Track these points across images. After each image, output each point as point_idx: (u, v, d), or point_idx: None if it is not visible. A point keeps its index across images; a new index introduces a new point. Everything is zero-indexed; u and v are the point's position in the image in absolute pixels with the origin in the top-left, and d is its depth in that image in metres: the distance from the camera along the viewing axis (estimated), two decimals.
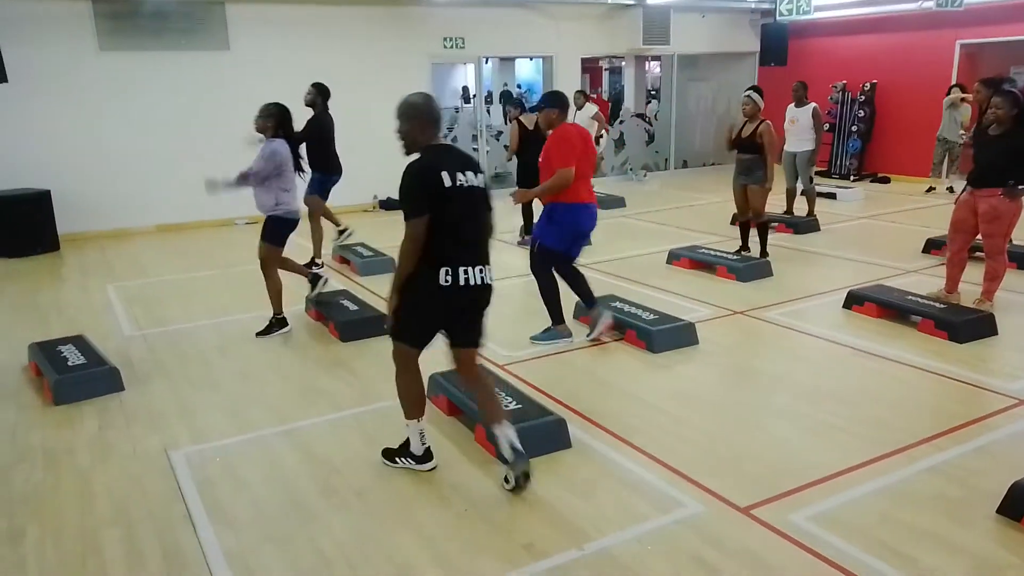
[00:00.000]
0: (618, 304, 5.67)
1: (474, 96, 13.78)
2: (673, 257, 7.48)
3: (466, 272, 3.31)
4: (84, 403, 4.51)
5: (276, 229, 5.50)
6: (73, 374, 4.61)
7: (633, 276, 7.06)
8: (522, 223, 8.44)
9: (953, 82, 11.41)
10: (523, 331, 5.46)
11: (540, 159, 5.16)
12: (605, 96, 20.75)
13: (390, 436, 3.83)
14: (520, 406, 3.92)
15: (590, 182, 5.21)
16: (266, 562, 3.00)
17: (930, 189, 11.54)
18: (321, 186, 7.43)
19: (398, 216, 3.41)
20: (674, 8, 12.68)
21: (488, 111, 14.52)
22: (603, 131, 10.79)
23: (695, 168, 14.80)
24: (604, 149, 13.28)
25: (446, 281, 3.29)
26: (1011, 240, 5.78)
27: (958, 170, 10.72)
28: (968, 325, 5.24)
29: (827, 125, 11.58)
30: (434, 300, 3.34)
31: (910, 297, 5.75)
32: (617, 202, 10.80)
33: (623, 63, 19.66)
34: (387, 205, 10.98)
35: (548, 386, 4.58)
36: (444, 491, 3.47)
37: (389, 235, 3.15)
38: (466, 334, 3.49)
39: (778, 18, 11.66)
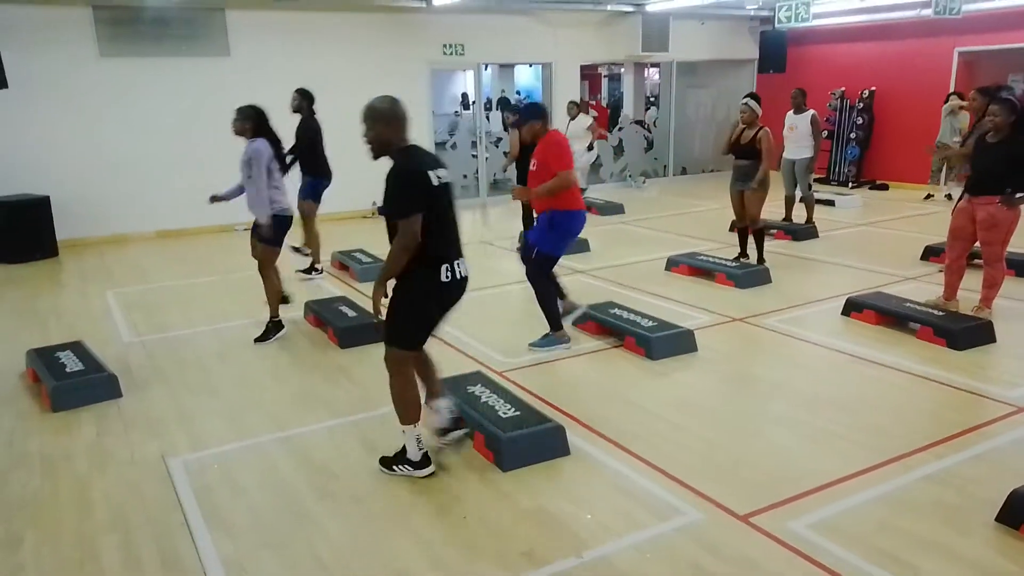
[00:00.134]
0: (617, 311, 5.67)
1: (473, 103, 13.78)
2: (672, 264, 7.48)
3: (458, 266, 3.50)
4: (82, 409, 4.51)
5: (269, 231, 5.46)
6: (71, 380, 4.60)
7: (632, 283, 7.06)
8: (522, 229, 8.43)
9: (951, 90, 11.45)
10: (521, 338, 5.45)
11: (533, 167, 5.20)
12: (604, 103, 20.81)
13: (389, 442, 3.83)
14: (518, 413, 3.91)
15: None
16: (264, 569, 2.99)
17: (928, 196, 11.56)
18: (313, 190, 7.45)
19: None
20: (673, 15, 12.71)
21: (488, 118, 14.52)
22: (594, 141, 10.81)
23: (694, 175, 14.82)
24: (599, 156, 13.34)
25: (447, 277, 3.43)
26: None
27: (956, 177, 10.74)
28: (967, 332, 5.24)
29: (826, 132, 11.62)
30: (431, 298, 3.47)
31: (909, 304, 5.76)
32: (616, 209, 10.81)
33: (622, 70, 19.75)
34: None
35: (546, 393, 4.58)
36: (442, 498, 3.46)
37: (388, 241, 3.16)
38: (441, 325, 3.65)
39: (777, 25, 11.63)
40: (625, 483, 3.57)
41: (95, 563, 3.06)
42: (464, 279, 3.54)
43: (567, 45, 12.43)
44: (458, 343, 5.45)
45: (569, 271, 7.37)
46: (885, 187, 12.70)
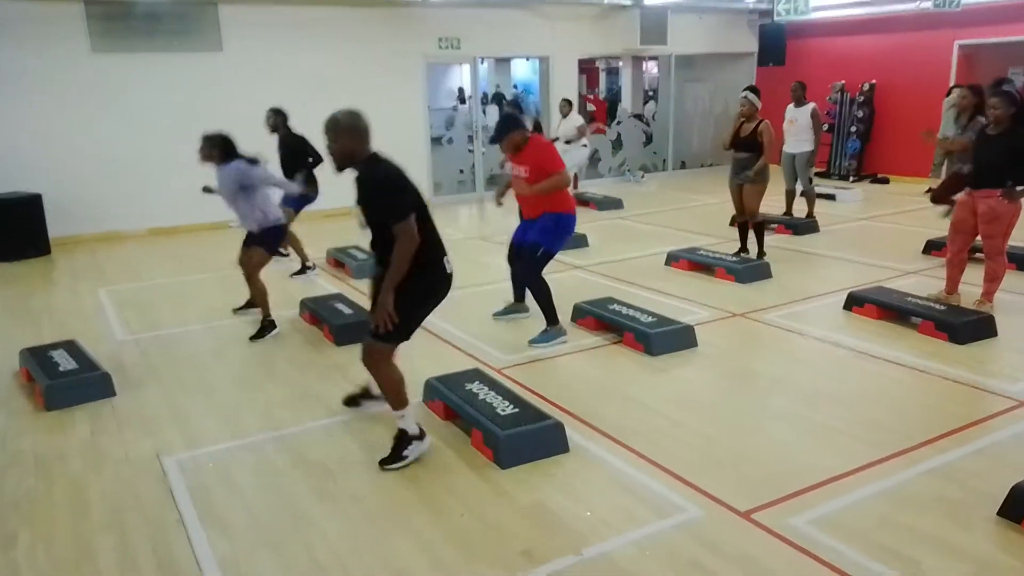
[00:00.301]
0: (616, 306, 5.64)
1: (470, 97, 13.71)
2: (671, 259, 7.45)
3: (448, 262, 3.65)
4: (76, 408, 4.47)
5: (271, 239, 5.64)
6: (65, 379, 4.57)
7: (631, 278, 7.02)
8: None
9: (952, 83, 11.40)
10: (519, 335, 5.42)
11: (524, 173, 5.19)
12: (602, 97, 20.74)
13: (387, 440, 3.78)
14: (517, 410, 3.88)
15: None
16: (260, 568, 2.96)
17: (929, 190, 11.50)
18: (296, 202, 7.23)
19: None
20: (671, 8, 12.65)
21: (484, 112, 14.46)
22: (586, 140, 10.76)
23: (693, 169, 14.79)
24: (597, 150, 13.29)
25: (450, 270, 3.63)
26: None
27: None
28: (968, 326, 5.21)
29: (826, 125, 11.56)
30: (429, 295, 3.58)
31: (910, 299, 5.73)
32: (615, 203, 10.74)
33: (620, 64, 19.68)
34: None
35: (545, 390, 4.54)
36: (441, 496, 3.43)
37: (373, 248, 3.23)
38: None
39: (776, 18, 11.63)
40: (624, 480, 3.54)
41: (90, 563, 3.02)
42: (451, 275, 3.68)
43: (564, 38, 12.37)
44: (456, 340, 5.42)
45: (568, 266, 7.34)
46: (886, 181, 12.66)
